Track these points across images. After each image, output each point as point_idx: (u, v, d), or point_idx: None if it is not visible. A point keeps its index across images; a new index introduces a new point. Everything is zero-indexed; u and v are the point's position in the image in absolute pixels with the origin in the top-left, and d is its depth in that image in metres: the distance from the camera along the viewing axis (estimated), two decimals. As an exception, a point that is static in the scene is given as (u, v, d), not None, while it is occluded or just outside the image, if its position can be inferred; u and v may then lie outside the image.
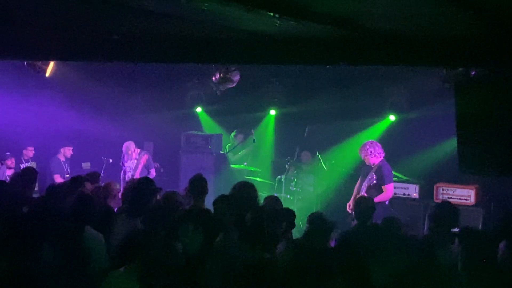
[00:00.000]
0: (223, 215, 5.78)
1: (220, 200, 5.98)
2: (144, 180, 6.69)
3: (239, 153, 11.91)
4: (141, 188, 6.37)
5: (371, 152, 8.75)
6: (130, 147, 10.44)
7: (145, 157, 10.38)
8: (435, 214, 6.25)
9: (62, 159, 10.82)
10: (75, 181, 7.09)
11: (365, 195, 8.43)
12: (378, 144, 8.90)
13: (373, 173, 8.68)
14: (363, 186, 8.80)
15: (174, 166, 11.86)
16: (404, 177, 10.50)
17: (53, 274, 4.73)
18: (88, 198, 6.00)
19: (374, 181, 8.64)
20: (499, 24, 4.40)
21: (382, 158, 8.81)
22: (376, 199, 8.15)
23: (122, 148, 10.77)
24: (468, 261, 4.80)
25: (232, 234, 5.46)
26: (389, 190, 8.72)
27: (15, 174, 8.27)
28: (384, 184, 8.67)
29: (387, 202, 8.84)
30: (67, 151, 10.78)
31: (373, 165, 8.78)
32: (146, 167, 10.42)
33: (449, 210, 6.31)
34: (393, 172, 9.55)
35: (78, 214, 5.62)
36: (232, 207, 5.90)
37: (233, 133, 12.02)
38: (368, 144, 8.88)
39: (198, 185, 6.69)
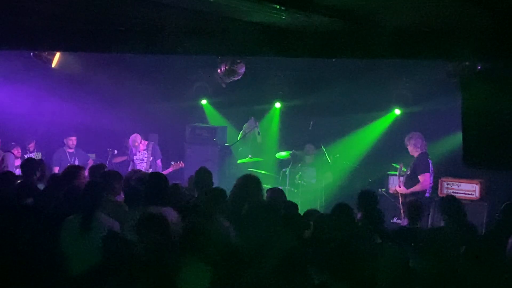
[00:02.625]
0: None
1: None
2: (157, 175, 6.69)
3: (240, 136, 11.94)
4: (155, 181, 6.31)
5: (414, 144, 9.11)
6: (136, 139, 10.45)
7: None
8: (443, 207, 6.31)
9: (69, 150, 10.75)
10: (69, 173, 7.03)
11: (400, 187, 9.01)
12: (421, 138, 9.16)
13: (412, 164, 9.07)
14: (403, 177, 9.21)
15: (179, 158, 11.87)
16: (409, 171, 10.49)
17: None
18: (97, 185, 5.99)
19: (409, 172, 9.06)
20: (506, 17, 4.39)
21: (422, 151, 9.11)
22: (411, 189, 8.85)
23: (127, 139, 10.78)
24: (473, 256, 4.81)
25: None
26: (424, 180, 8.96)
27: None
28: (419, 174, 8.96)
29: (427, 194, 9.02)
30: (69, 141, 10.70)
31: (413, 155, 9.16)
32: (154, 158, 10.43)
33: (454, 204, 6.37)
34: (393, 165, 9.66)
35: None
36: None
37: (244, 125, 12.07)
38: (412, 135, 9.20)
39: (203, 178, 6.70)
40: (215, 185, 6.89)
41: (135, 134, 10.54)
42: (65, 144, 10.66)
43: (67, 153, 10.69)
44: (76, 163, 10.59)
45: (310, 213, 6.14)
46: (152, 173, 7.51)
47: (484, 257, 5.03)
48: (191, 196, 6.73)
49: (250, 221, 5.37)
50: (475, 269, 4.75)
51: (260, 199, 6.35)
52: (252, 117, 11.85)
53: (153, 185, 6.08)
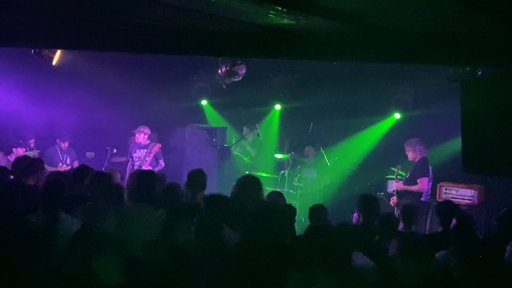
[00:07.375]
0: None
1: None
2: (147, 171, 6.71)
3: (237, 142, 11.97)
4: (144, 177, 6.36)
5: (413, 150, 9.31)
6: (145, 126, 10.56)
7: (158, 145, 10.42)
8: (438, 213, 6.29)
9: (60, 149, 10.80)
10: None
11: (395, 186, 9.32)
12: (420, 143, 9.38)
13: (412, 168, 9.32)
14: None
15: (178, 158, 11.88)
16: (408, 175, 10.49)
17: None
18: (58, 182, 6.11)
19: (408, 176, 9.32)
20: (507, 22, 4.39)
21: (423, 156, 9.31)
22: (407, 187, 9.19)
23: (125, 138, 10.77)
24: (470, 263, 4.79)
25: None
26: (421, 183, 9.19)
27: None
28: (417, 178, 9.19)
29: (422, 198, 9.24)
30: (62, 144, 10.77)
31: (413, 161, 9.34)
32: (156, 158, 10.44)
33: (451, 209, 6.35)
34: (392, 169, 9.70)
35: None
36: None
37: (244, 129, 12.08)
38: (411, 141, 9.43)
39: (196, 179, 6.56)
40: (213, 186, 6.87)
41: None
42: (57, 143, 10.73)
43: (59, 152, 10.75)
44: (68, 161, 10.68)
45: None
46: (137, 170, 7.59)
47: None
48: (187, 197, 6.69)
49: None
50: (472, 275, 4.73)
51: (261, 199, 6.32)
52: (256, 124, 11.80)
53: (138, 182, 6.17)
